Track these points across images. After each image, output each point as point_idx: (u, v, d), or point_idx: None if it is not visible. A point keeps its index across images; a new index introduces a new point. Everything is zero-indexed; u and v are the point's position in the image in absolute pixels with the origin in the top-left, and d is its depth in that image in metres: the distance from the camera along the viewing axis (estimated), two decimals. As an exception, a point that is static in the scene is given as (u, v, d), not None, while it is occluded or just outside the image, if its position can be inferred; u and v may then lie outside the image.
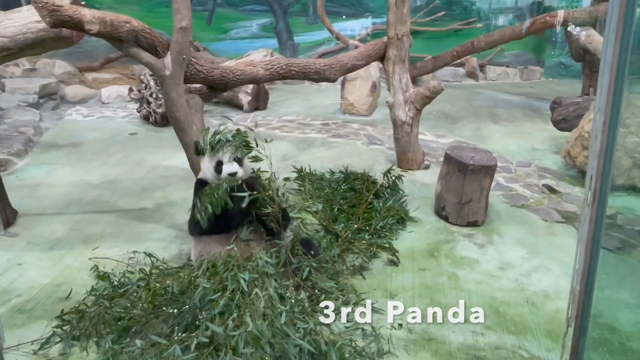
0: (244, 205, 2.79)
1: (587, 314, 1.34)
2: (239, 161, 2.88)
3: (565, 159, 4.96)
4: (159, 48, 3.27)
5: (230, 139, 2.87)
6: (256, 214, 2.86)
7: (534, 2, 10.27)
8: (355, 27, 10.83)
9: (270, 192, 2.85)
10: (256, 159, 2.97)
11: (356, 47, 8.63)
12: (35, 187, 4.68)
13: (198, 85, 3.87)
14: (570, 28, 6.56)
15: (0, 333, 1.27)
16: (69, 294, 2.95)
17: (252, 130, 3.05)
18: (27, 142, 5.77)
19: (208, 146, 2.88)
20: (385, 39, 4.84)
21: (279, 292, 2.62)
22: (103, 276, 3.11)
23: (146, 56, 3.22)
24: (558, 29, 7.40)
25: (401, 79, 4.85)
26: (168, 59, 3.27)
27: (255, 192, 2.81)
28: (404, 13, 4.62)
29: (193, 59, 3.54)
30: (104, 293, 2.86)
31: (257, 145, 2.95)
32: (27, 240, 3.67)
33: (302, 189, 4.42)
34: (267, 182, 2.92)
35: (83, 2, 3.43)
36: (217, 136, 2.88)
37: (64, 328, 2.61)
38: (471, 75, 10.27)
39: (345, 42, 9.35)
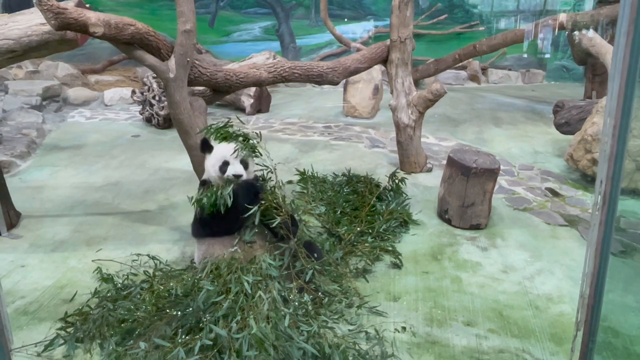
0: (253, 212, 2.80)
1: (596, 318, 1.33)
2: (245, 164, 2.90)
3: (568, 162, 4.96)
4: (162, 51, 3.28)
5: (241, 138, 2.92)
6: (265, 222, 2.87)
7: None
8: (357, 30, 10.86)
9: (278, 199, 2.86)
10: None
11: (358, 49, 8.67)
12: (38, 189, 4.69)
13: (201, 88, 3.88)
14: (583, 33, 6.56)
15: (8, 335, 1.27)
16: (73, 297, 2.94)
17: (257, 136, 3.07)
18: (30, 144, 5.78)
19: (216, 135, 2.91)
20: (388, 42, 4.85)
21: (283, 294, 2.62)
22: (106, 278, 3.10)
23: (150, 59, 3.23)
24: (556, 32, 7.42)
25: (404, 82, 4.85)
26: (172, 62, 3.27)
27: (259, 195, 2.85)
28: (406, 16, 4.62)
29: (197, 62, 3.54)
30: (108, 295, 2.86)
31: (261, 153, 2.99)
32: (30, 242, 3.67)
33: (305, 191, 4.42)
34: (272, 188, 2.93)
35: (87, 5, 3.44)
36: (229, 129, 2.92)
37: (68, 330, 2.61)
38: (473, 78, 10.29)
39: (347, 45, 9.37)
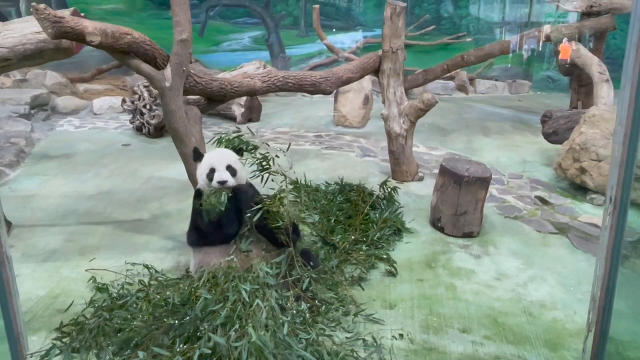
0: (253, 211, 2.84)
1: (607, 319, 1.37)
2: (233, 171, 2.92)
3: (556, 171, 5.04)
4: (158, 60, 3.29)
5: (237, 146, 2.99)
6: (264, 227, 2.89)
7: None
8: (346, 40, 10.94)
9: (282, 205, 2.88)
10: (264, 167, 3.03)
11: (347, 58, 8.73)
12: (29, 198, 4.64)
13: (195, 97, 3.89)
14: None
15: (23, 342, 1.25)
16: (69, 307, 2.91)
17: (267, 145, 3.14)
18: (19, 153, 5.73)
19: (226, 145, 3.01)
20: (379, 52, 4.90)
21: (280, 303, 2.63)
22: (101, 288, 3.08)
23: (146, 68, 3.23)
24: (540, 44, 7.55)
25: (395, 91, 4.91)
26: (168, 71, 3.28)
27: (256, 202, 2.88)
28: (398, 27, 4.69)
29: (192, 71, 3.56)
30: (103, 305, 2.83)
31: (270, 159, 3.02)
32: (21, 251, 3.63)
33: (298, 200, 4.43)
34: (279, 196, 2.95)
35: (83, 14, 3.44)
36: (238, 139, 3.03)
37: (64, 340, 2.58)
38: (461, 88, 10.42)
39: (342, 56, 9.41)
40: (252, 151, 3.04)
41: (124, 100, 7.37)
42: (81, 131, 7.19)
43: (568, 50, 6.92)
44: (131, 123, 7.02)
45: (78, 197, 4.72)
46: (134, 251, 3.69)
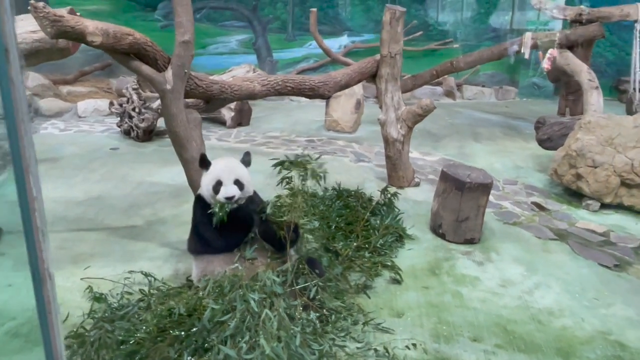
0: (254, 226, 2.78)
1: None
2: (240, 185, 2.84)
3: (552, 177, 5.06)
4: (159, 62, 3.19)
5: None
6: (268, 233, 2.83)
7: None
8: (334, 45, 10.91)
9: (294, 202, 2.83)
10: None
11: (339, 60, 8.68)
12: (16, 203, 4.46)
13: (193, 100, 3.80)
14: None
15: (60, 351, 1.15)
16: (66, 318, 2.79)
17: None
18: (3, 156, 5.52)
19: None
20: (377, 56, 4.87)
21: (288, 312, 2.55)
22: (99, 297, 2.97)
23: (147, 69, 3.14)
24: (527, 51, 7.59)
25: (393, 96, 4.88)
26: (169, 73, 3.19)
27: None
28: (397, 32, 4.66)
29: (192, 74, 3.47)
30: (104, 316, 2.72)
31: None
32: (14, 259, 3.48)
33: (296, 206, 4.35)
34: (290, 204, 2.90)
35: (78, 13, 3.33)
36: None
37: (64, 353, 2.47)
38: (449, 94, 10.47)
39: (339, 60, 9.35)
40: (318, 179, 2.94)
41: (111, 103, 7.20)
42: (66, 134, 7.00)
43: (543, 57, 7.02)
44: (119, 126, 6.86)
45: (67, 202, 4.57)
46: (129, 259, 3.57)
